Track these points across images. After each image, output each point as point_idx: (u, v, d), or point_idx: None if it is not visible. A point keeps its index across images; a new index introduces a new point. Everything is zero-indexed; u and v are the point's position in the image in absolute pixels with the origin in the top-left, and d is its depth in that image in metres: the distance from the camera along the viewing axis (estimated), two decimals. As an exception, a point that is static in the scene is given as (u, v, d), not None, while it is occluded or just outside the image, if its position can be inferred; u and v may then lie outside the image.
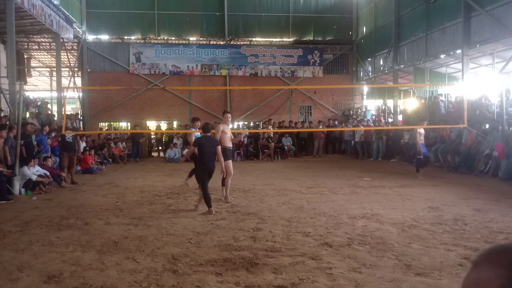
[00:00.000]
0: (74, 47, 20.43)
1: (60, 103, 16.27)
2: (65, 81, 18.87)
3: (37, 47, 20.33)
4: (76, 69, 20.13)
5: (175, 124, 20.96)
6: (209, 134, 7.37)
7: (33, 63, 22.46)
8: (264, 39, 21.30)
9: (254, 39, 21.21)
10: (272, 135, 17.60)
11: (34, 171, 9.62)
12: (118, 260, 4.40)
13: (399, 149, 15.79)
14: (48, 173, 10.02)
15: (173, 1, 20.51)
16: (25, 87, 19.59)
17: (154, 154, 20.77)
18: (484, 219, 5.99)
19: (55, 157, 11.92)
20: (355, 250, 4.64)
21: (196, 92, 20.89)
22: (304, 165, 15.08)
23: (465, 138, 12.01)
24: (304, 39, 21.41)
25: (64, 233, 5.58)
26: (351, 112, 21.29)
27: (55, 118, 16.71)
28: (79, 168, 13.22)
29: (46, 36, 18.16)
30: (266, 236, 5.26)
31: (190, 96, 20.85)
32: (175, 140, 18.12)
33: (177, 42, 20.75)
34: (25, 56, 19.72)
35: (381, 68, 19.28)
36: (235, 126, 20.61)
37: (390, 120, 18.57)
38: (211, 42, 21.14)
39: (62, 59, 17.66)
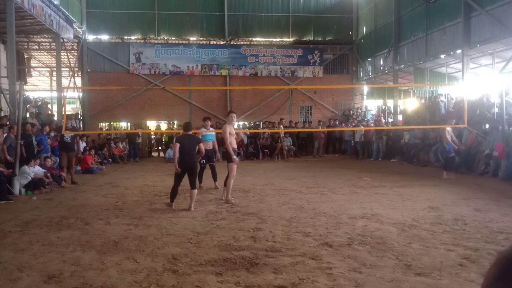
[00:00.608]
0: (74, 47, 20.44)
1: (60, 103, 16.28)
2: (65, 81, 18.88)
3: (37, 47, 20.33)
4: (76, 69, 20.14)
5: (175, 124, 20.97)
6: (190, 132, 7.53)
7: (33, 63, 22.46)
8: (264, 39, 21.30)
9: (254, 39, 21.21)
10: (282, 135, 17.58)
11: (34, 171, 9.63)
12: (118, 260, 4.40)
13: (399, 149, 15.79)
14: (48, 173, 10.03)
15: (173, 1, 20.51)
16: (25, 87, 19.59)
17: (154, 154, 20.77)
18: (484, 219, 5.99)
19: (55, 157, 11.93)
20: (355, 250, 4.64)
21: (196, 92, 20.89)
22: (304, 165, 15.08)
23: (465, 138, 12.01)
24: (304, 39, 21.41)
25: (64, 233, 5.58)
26: (351, 112, 21.29)
27: (55, 118, 16.72)
28: (79, 168, 13.23)
29: (46, 36, 18.16)
30: (266, 236, 5.26)
31: (190, 96, 20.85)
32: (175, 140, 18.07)
33: (177, 42, 20.75)
34: (25, 56, 19.71)
35: (381, 68, 19.28)
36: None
37: (390, 120, 18.57)
38: (211, 42, 21.14)
39: (62, 59, 17.66)
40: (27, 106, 15.83)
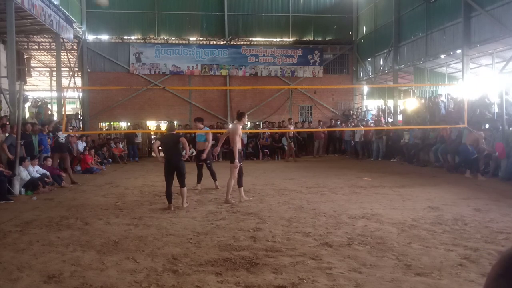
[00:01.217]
0: (74, 47, 20.43)
1: (60, 103, 16.27)
2: (65, 81, 18.87)
3: (37, 47, 20.32)
4: (76, 69, 20.13)
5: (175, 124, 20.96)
6: (173, 132, 7.67)
7: (33, 63, 22.44)
8: (264, 39, 21.29)
9: (254, 39, 21.20)
10: (292, 135, 17.55)
11: (33, 170, 9.63)
12: (118, 260, 4.40)
13: (399, 149, 15.79)
14: (48, 173, 10.03)
15: (173, 1, 20.50)
16: (25, 87, 19.59)
17: (154, 154, 20.75)
18: (484, 219, 5.99)
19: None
20: (355, 250, 4.64)
21: (196, 92, 20.88)
22: (304, 165, 15.08)
23: (465, 138, 11.99)
24: (304, 39, 21.41)
25: (64, 233, 5.58)
26: (351, 112, 21.29)
27: (55, 118, 16.71)
28: (79, 168, 13.23)
29: (46, 36, 18.16)
30: (266, 236, 5.26)
31: (190, 96, 20.85)
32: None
33: (177, 42, 20.75)
34: (25, 56, 19.71)
35: (381, 68, 19.28)
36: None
37: (390, 120, 18.57)
38: (211, 42, 21.14)
39: (62, 59, 17.66)
40: (26, 105, 15.83)
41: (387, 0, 18.47)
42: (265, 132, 17.99)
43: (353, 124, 18.22)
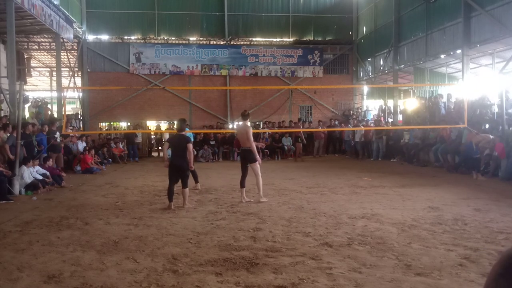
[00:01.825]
0: (74, 47, 20.43)
1: (60, 103, 16.27)
2: (65, 81, 18.87)
3: (37, 47, 20.32)
4: (76, 69, 20.13)
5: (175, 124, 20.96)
6: (182, 133, 7.55)
7: (33, 63, 22.45)
8: (264, 39, 21.30)
9: (254, 39, 21.20)
10: (300, 135, 17.56)
11: (34, 171, 9.63)
12: (118, 260, 4.40)
13: (399, 149, 15.79)
14: (48, 173, 10.03)
15: (173, 1, 20.51)
16: (25, 87, 19.58)
17: (154, 154, 20.75)
18: (484, 219, 5.99)
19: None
20: (355, 250, 4.64)
21: (196, 92, 20.89)
22: (304, 165, 15.08)
23: (465, 138, 12.00)
24: (304, 39, 21.41)
25: (64, 233, 5.58)
26: (351, 112, 21.30)
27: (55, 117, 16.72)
28: (79, 168, 13.23)
29: (46, 36, 18.16)
30: (266, 236, 5.26)
31: (190, 96, 20.85)
32: (166, 140, 18.03)
33: (177, 42, 20.75)
34: (25, 56, 19.71)
35: (381, 68, 19.28)
36: (235, 126, 20.60)
37: (390, 120, 18.57)
38: (211, 42, 21.14)
39: (62, 59, 17.65)
40: (26, 105, 15.83)
41: (387, 0, 18.48)
42: (265, 132, 18.00)
43: (353, 124, 18.23)
